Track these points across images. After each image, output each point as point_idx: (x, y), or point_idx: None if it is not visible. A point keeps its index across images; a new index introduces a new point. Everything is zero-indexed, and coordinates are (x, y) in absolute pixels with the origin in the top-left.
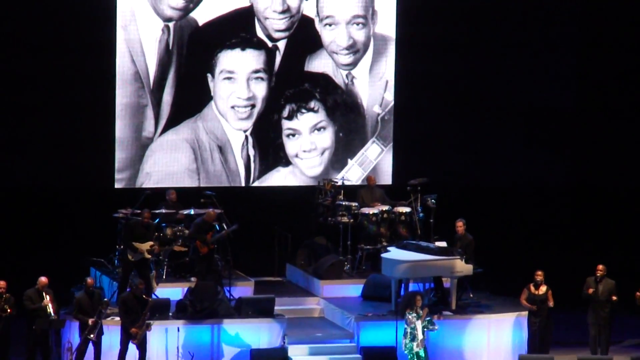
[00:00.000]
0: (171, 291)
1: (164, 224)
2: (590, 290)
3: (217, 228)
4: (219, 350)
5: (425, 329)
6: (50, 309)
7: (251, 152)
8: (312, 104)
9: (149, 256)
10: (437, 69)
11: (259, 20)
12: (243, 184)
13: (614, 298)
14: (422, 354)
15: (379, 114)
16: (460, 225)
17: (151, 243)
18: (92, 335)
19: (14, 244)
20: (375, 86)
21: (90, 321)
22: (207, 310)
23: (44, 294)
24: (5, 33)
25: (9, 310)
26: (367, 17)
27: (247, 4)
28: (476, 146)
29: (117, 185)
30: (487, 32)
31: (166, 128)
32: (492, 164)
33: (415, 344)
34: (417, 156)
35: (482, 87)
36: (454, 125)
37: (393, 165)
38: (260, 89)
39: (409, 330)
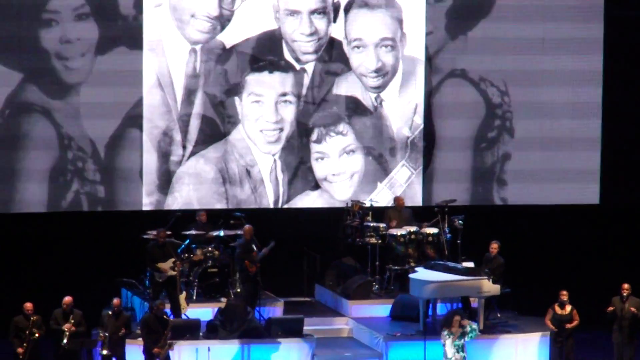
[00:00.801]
0: (201, 312)
1: (194, 245)
2: (610, 309)
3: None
4: None
5: (458, 347)
6: (66, 337)
7: (280, 175)
8: (341, 127)
9: (174, 272)
10: None
11: (286, 42)
12: (272, 207)
13: (635, 312)
14: None
15: (408, 137)
16: (495, 247)
17: (173, 259)
18: (105, 352)
19: (44, 267)
20: (404, 109)
21: (100, 335)
22: (238, 330)
23: (70, 315)
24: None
25: (37, 334)
26: (396, 39)
27: (274, 26)
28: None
29: (145, 208)
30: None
31: (194, 152)
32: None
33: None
34: (446, 179)
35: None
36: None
37: (423, 189)
38: (288, 112)
39: (449, 351)
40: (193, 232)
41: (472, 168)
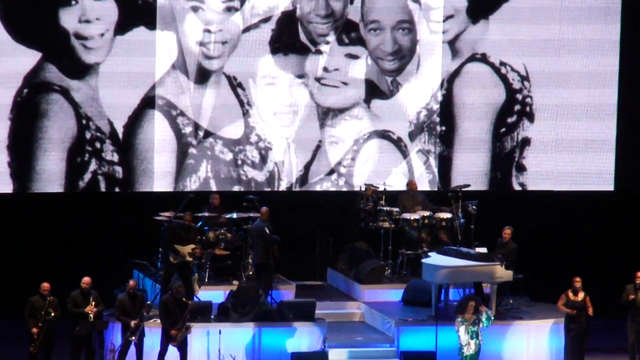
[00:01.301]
0: (213, 294)
1: (206, 228)
2: (631, 297)
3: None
4: (260, 353)
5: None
6: (91, 316)
7: (293, 159)
8: (356, 111)
9: (190, 259)
10: None
11: (302, 24)
12: (285, 190)
13: None
14: (470, 357)
15: (424, 122)
16: (507, 232)
17: (193, 246)
18: (133, 337)
19: (59, 247)
20: (421, 94)
21: (132, 323)
22: (250, 314)
23: (89, 296)
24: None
25: (52, 314)
26: (413, 22)
27: (290, 7)
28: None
29: (160, 189)
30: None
31: (207, 133)
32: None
33: (466, 348)
34: (465, 163)
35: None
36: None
37: (439, 172)
38: (302, 95)
39: (464, 336)
40: (206, 214)
41: (491, 153)
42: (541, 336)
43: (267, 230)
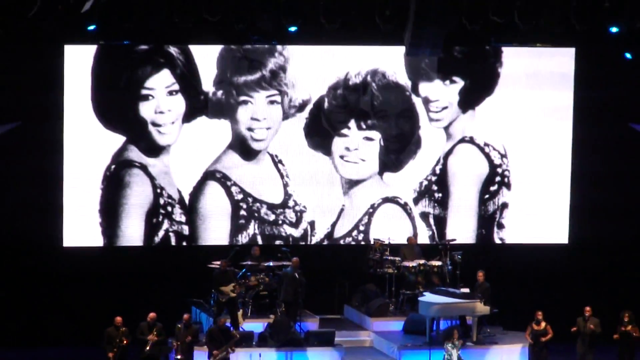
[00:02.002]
0: (254, 325)
1: (249, 273)
2: (574, 329)
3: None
4: None
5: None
6: (148, 345)
7: (322, 220)
8: (371, 182)
9: (234, 295)
10: None
11: (327, 113)
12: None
13: (593, 328)
14: None
15: (427, 190)
16: (480, 274)
17: (233, 284)
18: (179, 356)
19: (136, 288)
20: (422, 168)
21: (174, 344)
22: (283, 341)
23: (154, 327)
24: None
25: (125, 342)
26: (415, 112)
27: (318, 100)
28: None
29: (217, 243)
30: None
31: (255, 199)
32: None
33: None
34: (457, 222)
35: None
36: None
37: (436, 229)
38: (329, 169)
39: (447, 357)
40: (249, 262)
41: (477, 214)
42: (512, 357)
43: (297, 276)
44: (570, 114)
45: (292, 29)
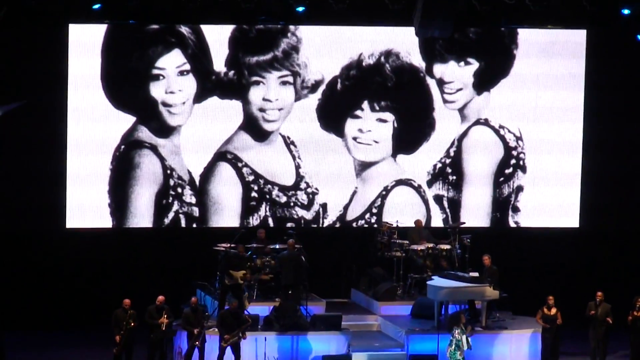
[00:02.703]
0: (260, 309)
1: (254, 256)
2: (592, 312)
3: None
4: (297, 356)
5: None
6: (163, 326)
7: (334, 202)
8: (385, 164)
9: (242, 282)
10: None
11: (341, 94)
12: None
13: (609, 320)
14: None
15: (439, 172)
16: (486, 258)
17: (244, 272)
18: (197, 342)
19: (143, 270)
20: (436, 150)
21: (195, 331)
22: (289, 325)
23: (162, 310)
24: None
25: (132, 324)
26: (430, 94)
27: (332, 81)
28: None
29: (228, 225)
30: None
31: (266, 181)
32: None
33: (459, 352)
34: (471, 205)
35: None
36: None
37: (450, 212)
38: (342, 151)
39: (454, 341)
40: (254, 245)
41: (491, 198)
42: (522, 343)
43: (296, 258)
44: (581, 98)
45: (300, 9)
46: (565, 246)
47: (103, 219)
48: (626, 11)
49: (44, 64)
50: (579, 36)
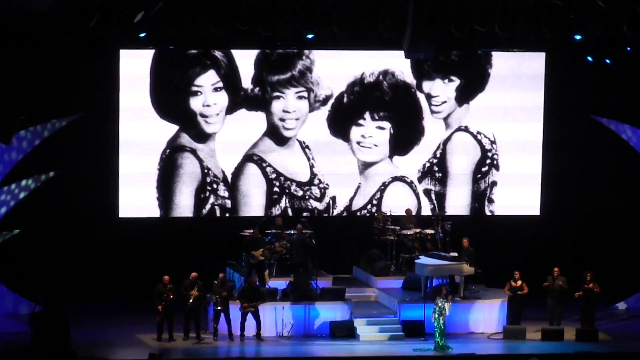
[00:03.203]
0: (278, 283)
1: (274, 240)
2: (547, 284)
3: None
4: (309, 322)
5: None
6: (192, 298)
7: (342, 195)
8: (383, 164)
9: (262, 258)
10: None
11: (347, 106)
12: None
13: (562, 284)
14: (443, 326)
15: (427, 170)
16: (465, 241)
17: (262, 250)
18: (218, 307)
19: (184, 251)
20: (425, 152)
21: (214, 298)
22: (302, 296)
23: (195, 285)
24: None
25: (171, 296)
26: (420, 105)
27: (339, 96)
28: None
29: (253, 214)
30: None
31: (286, 178)
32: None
33: (441, 317)
34: (454, 197)
35: None
36: None
37: (437, 203)
38: (347, 153)
39: (437, 309)
40: (273, 231)
41: (471, 191)
42: (493, 310)
43: (313, 242)
44: (542, 108)
45: (310, 35)
46: (529, 230)
47: (152, 210)
48: (578, 37)
49: (99, 85)
50: (538, 58)
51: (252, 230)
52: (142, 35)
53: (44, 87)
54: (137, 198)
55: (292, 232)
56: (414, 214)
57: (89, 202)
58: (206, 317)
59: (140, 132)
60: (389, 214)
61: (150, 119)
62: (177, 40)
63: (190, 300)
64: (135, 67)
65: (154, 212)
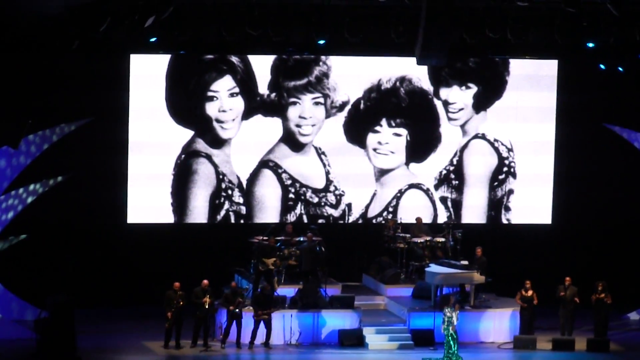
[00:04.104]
0: (287, 290)
1: (283, 247)
2: (562, 294)
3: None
4: (318, 330)
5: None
6: (206, 305)
7: (358, 202)
8: (399, 171)
9: (273, 268)
10: None
11: (364, 112)
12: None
13: (577, 300)
14: (454, 334)
15: (447, 177)
16: (479, 251)
17: (274, 259)
18: (237, 310)
19: (196, 258)
20: (442, 159)
21: (230, 308)
22: (310, 304)
23: (206, 292)
24: None
25: (181, 303)
26: (437, 112)
27: (355, 102)
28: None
29: (268, 221)
30: None
31: (301, 184)
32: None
33: (451, 327)
34: (471, 205)
35: None
36: None
37: (453, 211)
38: (364, 160)
39: (446, 319)
40: (283, 237)
41: (487, 199)
42: (504, 319)
43: (323, 249)
44: (554, 115)
45: (321, 41)
46: (541, 239)
47: (165, 216)
48: (590, 44)
49: (109, 89)
50: (552, 65)
51: (261, 237)
52: (153, 39)
53: (53, 91)
54: (147, 204)
55: (302, 239)
56: (426, 221)
57: (97, 207)
58: (214, 325)
59: (152, 137)
60: (399, 221)
61: (162, 124)
62: (188, 45)
63: (207, 307)
64: (147, 70)
65: (166, 217)
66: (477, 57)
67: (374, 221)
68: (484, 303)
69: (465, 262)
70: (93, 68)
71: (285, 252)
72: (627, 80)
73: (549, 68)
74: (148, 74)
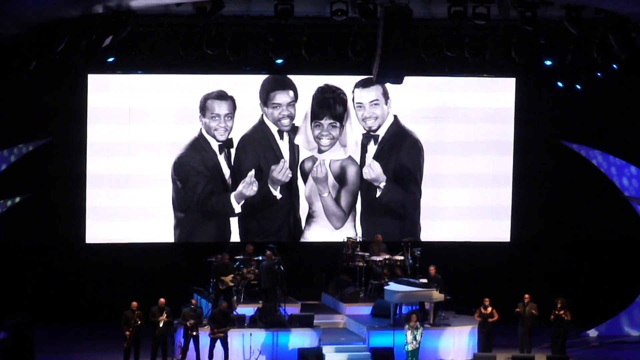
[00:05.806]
0: (246, 309)
1: (242, 266)
2: (518, 310)
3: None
4: (277, 349)
5: (418, 337)
6: (161, 324)
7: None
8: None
9: (232, 284)
10: None
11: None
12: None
13: (535, 312)
14: (414, 353)
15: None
16: (432, 269)
17: (232, 276)
18: (194, 332)
19: (148, 280)
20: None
21: (188, 323)
22: (270, 323)
23: (164, 311)
24: None
25: (139, 322)
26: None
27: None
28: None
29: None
30: None
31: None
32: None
33: (410, 345)
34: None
35: None
36: None
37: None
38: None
39: (410, 337)
40: (242, 257)
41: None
42: (463, 337)
43: (282, 268)
44: (512, 135)
45: (279, 61)
46: (500, 256)
47: (124, 236)
48: (548, 62)
49: (67, 110)
50: (510, 83)
51: (219, 256)
52: (111, 60)
53: (11, 112)
54: (105, 224)
55: (261, 258)
56: (382, 240)
57: (55, 228)
58: (173, 344)
59: (110, 158)
60: (358, 239)
61: (121, 146)
62: (146, 64)
63: (160, 325)
64: (105, 90)
65: (124, 237)
66: (435, 76)
67: (332, 240)
68: (443, 321)
69: (424, 280)
70: (51, 88)
71: (244, 271)
72: (584, 97)
73: (505, 86)
74: (106, 95)
